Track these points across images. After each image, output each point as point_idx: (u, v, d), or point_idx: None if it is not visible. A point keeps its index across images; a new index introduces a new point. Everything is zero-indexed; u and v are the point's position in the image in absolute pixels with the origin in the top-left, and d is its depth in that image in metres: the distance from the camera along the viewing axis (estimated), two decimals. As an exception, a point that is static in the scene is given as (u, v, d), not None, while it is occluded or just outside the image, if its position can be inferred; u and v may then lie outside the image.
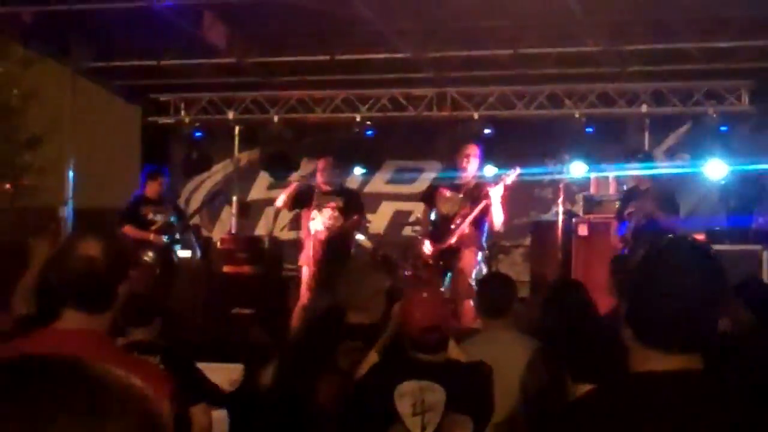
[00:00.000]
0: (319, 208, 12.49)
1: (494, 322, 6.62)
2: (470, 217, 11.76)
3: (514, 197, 14.73)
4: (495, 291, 6.78)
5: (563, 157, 14.24)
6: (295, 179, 14.59)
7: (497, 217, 11.64)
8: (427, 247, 12.09)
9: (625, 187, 13.62)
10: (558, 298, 6.98)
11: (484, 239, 12.09)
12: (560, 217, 13.24)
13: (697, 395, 2.57)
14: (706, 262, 2.66)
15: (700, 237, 12.06)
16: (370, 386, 5.27)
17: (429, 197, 12.42)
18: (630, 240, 11.57)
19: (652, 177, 11.95)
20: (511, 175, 11.79)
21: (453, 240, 11.82)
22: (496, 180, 11.86)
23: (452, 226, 11.86)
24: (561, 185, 13.39)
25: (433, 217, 12.27)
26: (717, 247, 11.60)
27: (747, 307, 5.89)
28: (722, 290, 2.67)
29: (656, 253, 2.72)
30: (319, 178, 12.70)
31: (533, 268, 14.67)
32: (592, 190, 14.72)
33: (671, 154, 15.32)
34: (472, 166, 12.03)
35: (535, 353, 5.74)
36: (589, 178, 14.79)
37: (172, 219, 13.12)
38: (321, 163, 12.82)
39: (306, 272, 12.39)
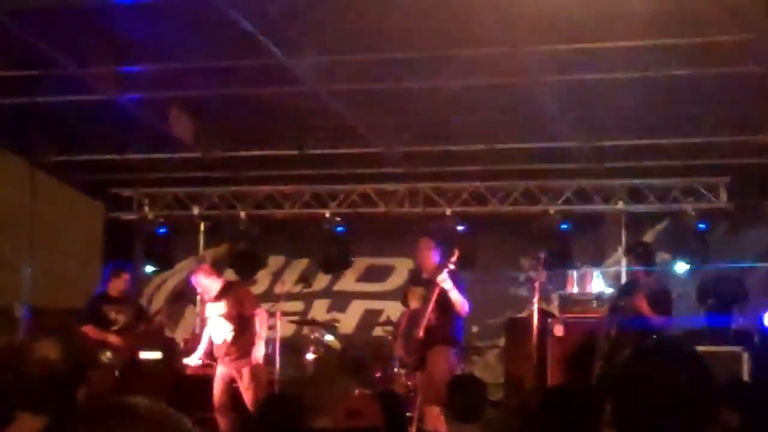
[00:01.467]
0: (209, 319, 12.58)
1: (464, 428, 6.54)
2: (431, 304, 11.71)
3: (488, 296, 14.74)
4: (465, 394, 6.69)
5: (538, 255, 14.23)
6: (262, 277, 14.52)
7: (457, 300, 11.60)
8: (399, 349, 12.12)
9: (603, 284, 13.66)
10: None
11: (457, 333, 12.03)
12: (535, 317, 13.17)
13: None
14: (694, 364, 2.63)
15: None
16: None
17: (404, 299, 12.44)
18: (612, 335, 11.50)
19: (653, 271, 11.88)
20: (453, 256, 11.76)
21: (420, 332, 11.76)
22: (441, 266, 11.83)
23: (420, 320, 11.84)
24: (536, 283, 13.34)
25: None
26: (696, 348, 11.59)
27: (733, 410, 5.85)
28: (710, 393, 2.63)
29: (644, 353, 2.70)
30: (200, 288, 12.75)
31: (508, 370, 14.57)
32: (569, 288, 14.69)
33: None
34: (430, 260, 12.02)
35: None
36: (566, 276, 14.77)
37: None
38: (200, 270, 12.85)
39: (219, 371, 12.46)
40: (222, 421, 12.20)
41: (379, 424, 5.19)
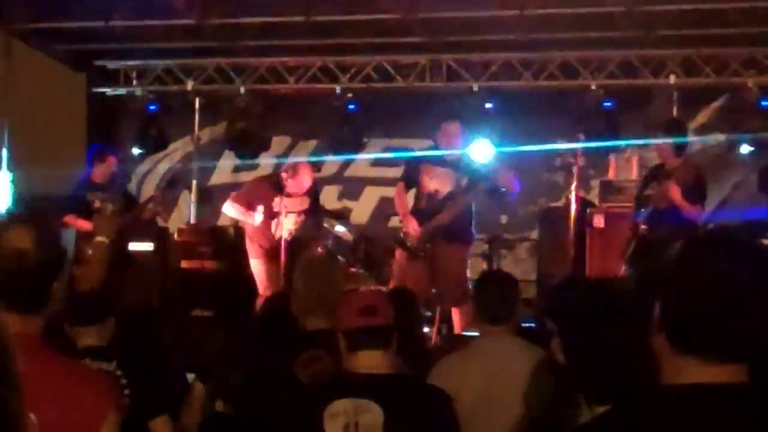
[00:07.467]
0: (285, 212, 12.90)
1: (494, 329, 6.56)
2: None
3: (520, 183, 14.72)
4: (495, 293, 6.70)
5: (578, 136, 14.16)
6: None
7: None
8: (414, 227, 12.13)
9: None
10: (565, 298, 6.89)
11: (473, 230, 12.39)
12: (573, 206, 13.13)
13: (746, 414, 2.50)
14: (758, 255, 2.59)
15: (736, 229, 12.04)
16: (296, 408, 5.15)
17: (411, 177, 12.47)
18: (644, 230, 11.44)
19: (683, 154, 11.68)
20: None
21: (447, 219, 11.87)
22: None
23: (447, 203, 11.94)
24: (574, 169, 13.30)
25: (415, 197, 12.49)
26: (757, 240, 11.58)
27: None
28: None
29: (698, 244, 2.65)
30: (290, 182, 12.98)
31: (541, 265, 14.63)
32: (611, 175, 14.67)
33: (703, 132, 15.28)
34: (455, 147, 12.14)
35: (540, 364, 5.67)
36: (607, 161, 14.73)
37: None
38: (299, 168, 13.15)
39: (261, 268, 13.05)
40: None
41: (393, 323, 5.14)
